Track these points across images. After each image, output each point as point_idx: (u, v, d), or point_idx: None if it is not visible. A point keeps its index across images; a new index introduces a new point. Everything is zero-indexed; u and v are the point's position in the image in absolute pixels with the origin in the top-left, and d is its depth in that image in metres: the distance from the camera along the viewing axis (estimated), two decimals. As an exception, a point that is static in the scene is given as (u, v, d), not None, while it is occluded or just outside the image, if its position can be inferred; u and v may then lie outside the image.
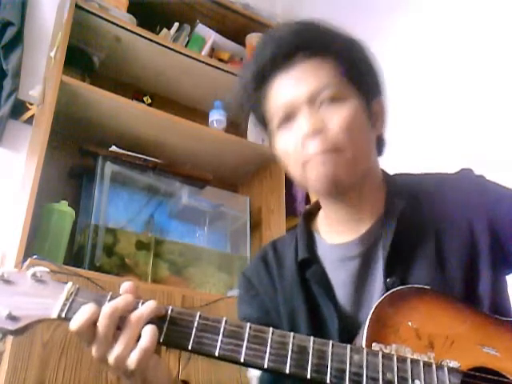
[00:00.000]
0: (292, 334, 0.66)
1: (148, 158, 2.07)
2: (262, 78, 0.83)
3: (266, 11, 2.56)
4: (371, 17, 2.16)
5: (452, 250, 0.81)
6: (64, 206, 1.80)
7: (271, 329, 0.66)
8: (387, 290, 0.75)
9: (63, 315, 0.65)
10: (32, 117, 2.06)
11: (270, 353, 0.64)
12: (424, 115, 1.93)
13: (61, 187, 1.98)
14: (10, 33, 2.02)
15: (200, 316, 0.67)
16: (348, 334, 0.76)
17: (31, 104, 2.06)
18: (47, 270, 0.69)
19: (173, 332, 0.66)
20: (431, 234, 0.82)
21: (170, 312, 0.67)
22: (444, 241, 0.82)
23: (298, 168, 0.81)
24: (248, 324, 0.66)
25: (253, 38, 2.44)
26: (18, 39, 2.05)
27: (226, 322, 0.66)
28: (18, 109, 2.03)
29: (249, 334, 0.65)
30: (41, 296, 0.67)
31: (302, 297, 0.86)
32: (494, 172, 0.90)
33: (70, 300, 0.66)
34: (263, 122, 0.88)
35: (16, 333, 0.64)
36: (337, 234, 0.88)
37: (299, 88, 0.79)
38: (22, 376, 1.33)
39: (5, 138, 2.00)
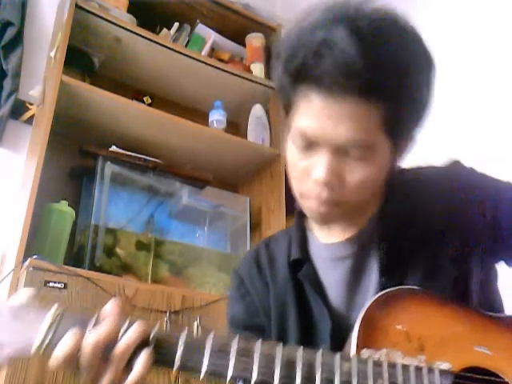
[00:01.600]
0: (280, 345, 0.64)
1: (148, 158, 2.07)
2: (298, 78, 0.72)
3: (266, 11, 2.56)
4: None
5: (444, 247, 0.80)
6: (64, 206, 1.80)
7: (259, 342, 0.64)
8: (382, 289, 0.74)
9: (43, 348, 0.60)
10: (32, 117, 2.05)
11: (258, 366, 0.62)
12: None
13: (61, 187, 1.98)
14: (10, 33, 2.02)
15: (186, 335, 0.63)
16: (340, 334, 0.75)
17: (31, 104, 2.06)
18: (27, 298, 0.64)
19: (158, 351, 0.62)
20: (425, 232, 0.81)
21: (154, 333, 0.63)
22: (438, 238, 0.81)
23: (296, 190, 0.79)
24: (236, 338, 0.64)
25: (253, 38, 2.44)
26: (17, 39, 2.05)
27: (212, 338, 0.63)
28: (18, 109, 2.03)
29: (236, 348, 0.63)
30: (19, 330, 0.61)
31: (293, 297, 0.85)
32: (495, 171, 0.90)
33: (53, 331, 0.61)
34: (286, 109, 0.79)
35: None
36: (330, 232, 0.86)
37: (335, 130, 0.70)
38: (21, 376, 1.33)
39: (5, 138, 1.99)
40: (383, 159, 0.74)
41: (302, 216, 0.92)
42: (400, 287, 0.73)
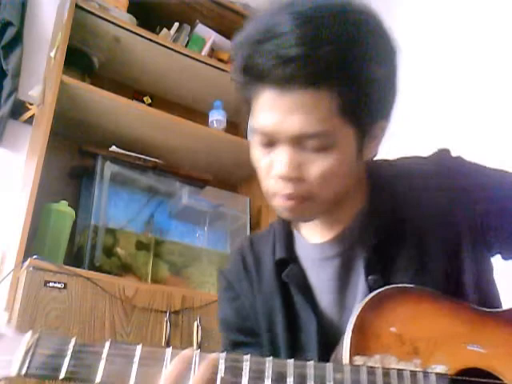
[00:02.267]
0: (270, 358, 0.62)
1: (148, 158, 2.07)
2: (248, 74, 0.70)
3: (266, 11, 2.56)
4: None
5: (434, 241, 0.78)
6: (64, 206, 1.80)
7: (248, 356, 0.62)
8: (370, 289, 0.72)
9: (23, 372, 0.60)
10: (32, 117, 2.06)
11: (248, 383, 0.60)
12: (420, 113, 1.93)
13: (61, 187, 1.99)
14: (9, 33, 2.02)
15: (171, 353, 0.61)
16: (329, 337, 0.74)
17: (31, 104, 2.06)
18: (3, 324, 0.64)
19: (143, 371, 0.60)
20: (412, 228, 0.79)
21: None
22: (425, 233, 0.79)
23: (264, 190, 0.77)
24: (223, 355, 0.62)
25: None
26: (17, 39, 2.05)
27: (197, 356, 0.62)
28: (18, 109, 2.03)
29: (225, 366, 0.61)
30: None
31: (279, 299, 0.82)
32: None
33: (30, 353, 0.61)
34: (245, 109, 0.78)
35: None
36: (316, 232, 0.84)
37: (287, 122, 0.68)
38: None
39: (5, 138, 2.00)
40: (347, 147, 0.71)
41: None
42: (392, 286, 0.71)
